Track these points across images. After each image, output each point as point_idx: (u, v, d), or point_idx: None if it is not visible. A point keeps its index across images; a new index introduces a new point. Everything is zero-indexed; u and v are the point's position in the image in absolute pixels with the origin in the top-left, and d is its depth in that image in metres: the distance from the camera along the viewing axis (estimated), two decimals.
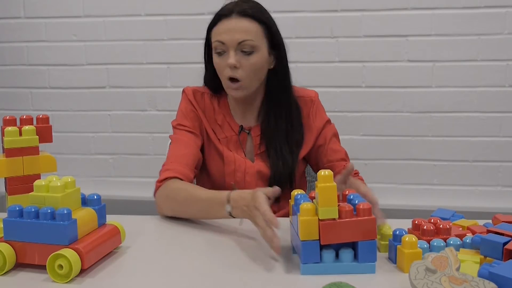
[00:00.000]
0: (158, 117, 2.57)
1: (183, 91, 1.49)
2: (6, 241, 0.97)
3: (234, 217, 1.14)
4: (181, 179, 1.29)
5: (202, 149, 1.45)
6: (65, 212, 0.94)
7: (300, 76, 2.42)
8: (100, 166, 2.68)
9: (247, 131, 1.45)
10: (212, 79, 1.44)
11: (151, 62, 2.59)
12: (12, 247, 0.96)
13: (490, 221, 1.10)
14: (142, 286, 0.91)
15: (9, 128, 1.10)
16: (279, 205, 1.44)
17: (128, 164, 2.64)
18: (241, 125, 1.45)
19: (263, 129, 1.44)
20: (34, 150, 1.12)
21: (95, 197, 1.06)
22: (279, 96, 1.42)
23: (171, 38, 2.56)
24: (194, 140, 1.40)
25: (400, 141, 2.48)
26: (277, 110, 1.42)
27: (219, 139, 1.45)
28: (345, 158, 1.47)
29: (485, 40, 2.36)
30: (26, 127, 1.12)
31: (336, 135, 1.50)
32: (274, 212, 1.41)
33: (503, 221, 1.02)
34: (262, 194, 1.04)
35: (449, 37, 2.37)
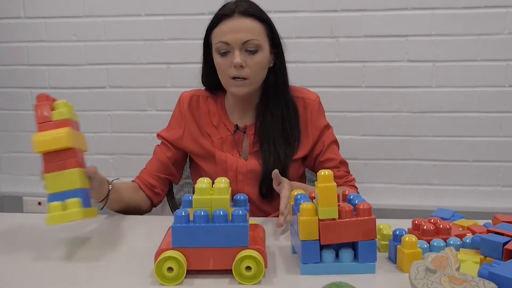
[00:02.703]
0: (158, 117, 2.57)
1: (179, 97, 1.52)
2: (175, 249, 0.91)
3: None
4: (138, 184, 1.48)
5: (191, 151, 1.51)
6: (240, 213, 0.91)
7: (300, 76, 2.42)
8: (100, 166, 2.64)
9: (243, 130, 1.46)
10: (210, 79, 1.46)
11: (151, 62, 2.59)
12: (183, 254, 0.91)
13: (490, 221, 1.11)
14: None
15: (60, 101, 1.11)
16: (274, 205, 1.44)
17: (128, 164, 2.64)
18: (236, 125, 1.46)
19: (257, 127, 1.44)
20: (75, 124, 1.15)
21: (242, 197, 1.05)
22: (276, 94, 1.42)
23: (171, 38, 2.55)
24: (164, 151, 1.50)
25: (400, 141, 2.47)
26: (274, 108, 1.42)
27: (213, 141, 1.46)
28: (339, 166, 1.48)
29: (485, 40, 2.35)
30: (59, 101, 1.13)
31: (334, 142, 1.50)
32: (268, 213, 1.43)
33: (503, 221, 1.03)
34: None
35: (449, 37, 2.37)
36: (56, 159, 1.05)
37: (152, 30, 2.56)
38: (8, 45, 2.68)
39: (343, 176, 1.48)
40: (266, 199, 1.42)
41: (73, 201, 1.03)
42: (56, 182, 1.05)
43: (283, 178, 1.24)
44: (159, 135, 1.53)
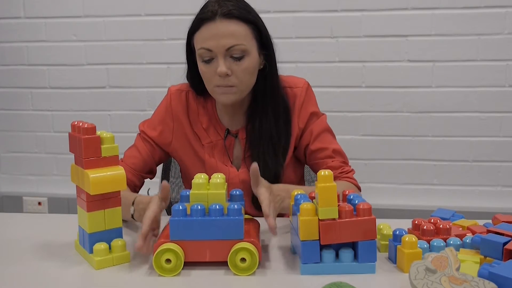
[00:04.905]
0: None
1: (167, 92, 1.44)
2: (173, 241, 0.94)
3: (136, 220, 1.17)
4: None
5: (180, 155, 1.40)
6: (236, 207, 0.95)
7: (300, 76, 2.41)
8: None
9: (234, 135, 1.36)
10: (197, 84, 1.34)
11: (151, 62, 2.59)
12: (180, 246, 0.94)
13: (490, 221, 1.11)
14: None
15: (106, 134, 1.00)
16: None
17: None
18: (227, 129, 1.35)
19: (248, 131, 1.34)
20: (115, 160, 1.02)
21: (237, 192, 1.06)
22: (266, 96, 1.32)
23: (171, 38, 2.55)
24: (152, 152, 1.38)
25: (400, 141, 2.48)
26: (263, 112, 1.32)
27: (203, 145, 1.36)
28: (332, 156, 1.35)
29: (485, 40, 2.36)
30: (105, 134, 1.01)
31: (326, 130, 1.37)
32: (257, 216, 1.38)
33: (503, 221, 1.02)
34: (156, 200, 1.04)
35: (449, 37, 2.37)
36: (101, 197, 0.99)
37: (152, 30, 2.56)
38: (8, 45, 2.68)
39: (339, 167, 1.34)
40: (258, 208, 1.37)
41: (119, 243, 1.01)
42: (99, 221, 1.00)
43: (261, 179, 1.12)
44: (143, 132, 1.40)
